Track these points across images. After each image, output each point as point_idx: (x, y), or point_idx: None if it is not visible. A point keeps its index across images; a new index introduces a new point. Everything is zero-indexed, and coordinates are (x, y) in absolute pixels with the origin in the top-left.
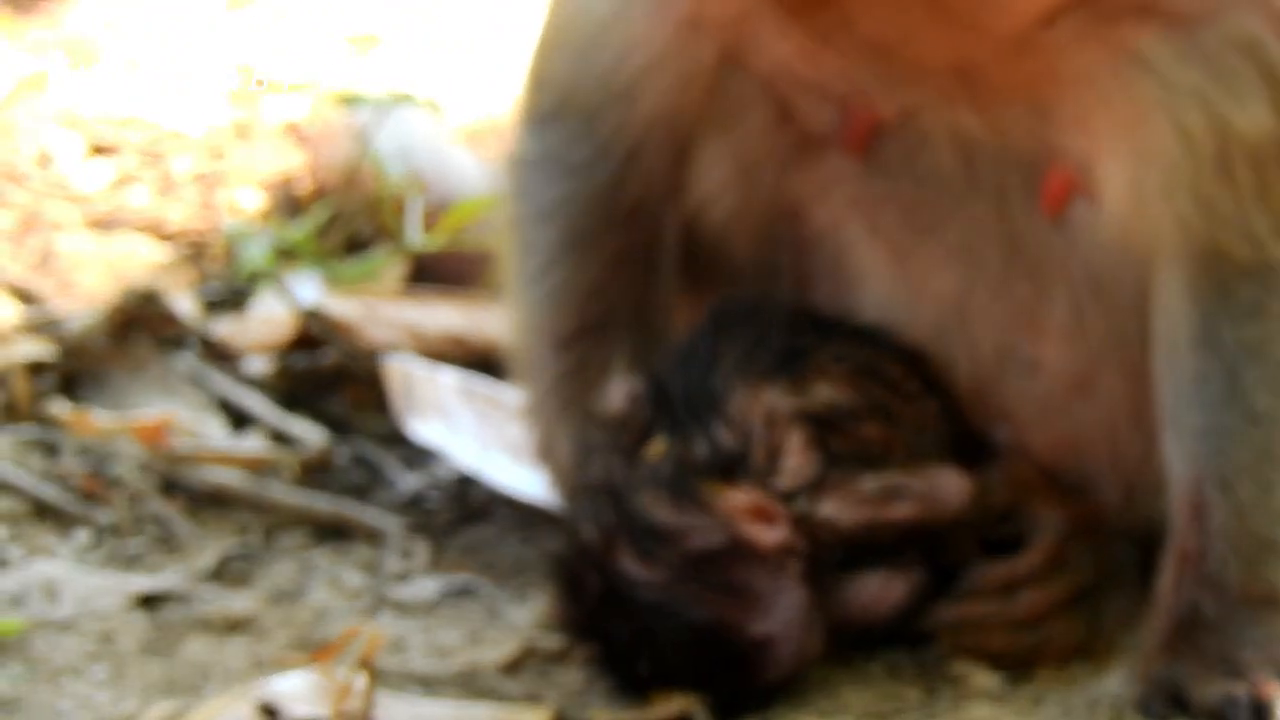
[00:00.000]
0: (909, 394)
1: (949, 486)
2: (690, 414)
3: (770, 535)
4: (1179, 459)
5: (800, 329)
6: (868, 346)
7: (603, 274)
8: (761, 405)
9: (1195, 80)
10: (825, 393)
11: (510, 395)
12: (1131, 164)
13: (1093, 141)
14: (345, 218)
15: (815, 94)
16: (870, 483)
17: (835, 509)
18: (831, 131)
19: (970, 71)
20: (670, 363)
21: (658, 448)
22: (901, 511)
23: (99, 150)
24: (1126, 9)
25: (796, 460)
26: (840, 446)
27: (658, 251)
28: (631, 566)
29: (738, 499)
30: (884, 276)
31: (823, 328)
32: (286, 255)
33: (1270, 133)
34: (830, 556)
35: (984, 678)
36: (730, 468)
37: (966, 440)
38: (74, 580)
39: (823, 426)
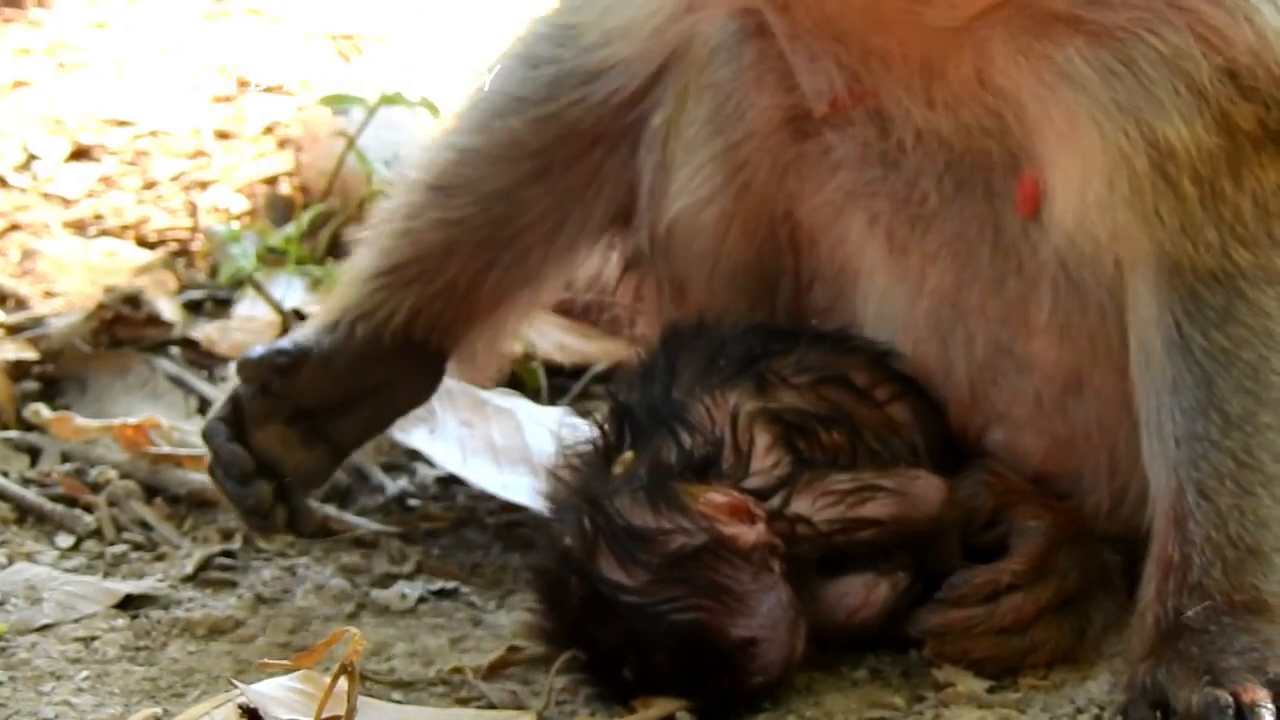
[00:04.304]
0: (877, 400)
1: (923, 487)
2: (655, 425)
3: (750, 533)
4: (1160, 467)
5: (756, 339)
6: (833, 353)
7: None
8: (726, 409)
9: (1124, 96)
10: (789, 399)
11: (493, 400)
12: (1075, 176)
13: (1044, 149)
14: (331, 221)
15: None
16: (843, 481)
17: (809, 506)
18: (829, 98)
19: (925, 65)
20: (629, 384)
21: (626, 462)
22: (876, 510)
23: (81, 154)
24: (1054, 18)
25: (766, 459)
26: (807, 449)
27: None
28: (612, 571)
29: (715, 499)
30: (882, 270)
31: (784, 337)
32: (271, 259)
33: (1207, 145)
34: (810, 555)
35: (969, 683)
36: (703, 470)
37: (951, 444)
38: (56, 584)
39: (788, 427)
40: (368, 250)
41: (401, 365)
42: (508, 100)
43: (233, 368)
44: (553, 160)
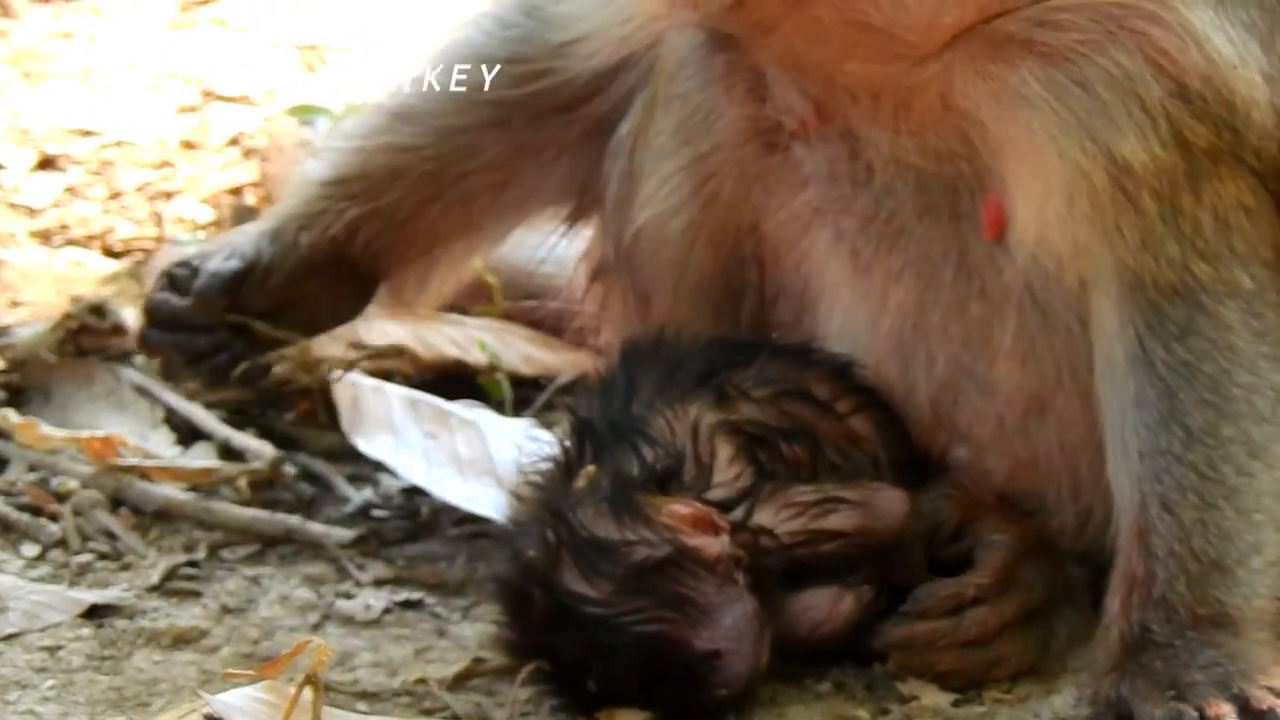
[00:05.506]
0: (838, 413)
1: (885, 499)
2: (616, 439)
3: (714, 545)
4: (1123, 481)
5: (716, 352)
6: (794, 366)
7: None
8: (687, 421)
9: (1078, 115)
10: (749, 412)
11: (458, 411)
12: (1035, 193)
13: (1006, 168)
14: None
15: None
16: (806, 493)
17: (772, 518)
18: (798, 118)
19: (891, 94)
20: (589, 400)
21: (589, 475)
22: (839, 522)
23: (47, 163)
24: (1008, 43)
25: (728, 471)
26: (768, 462)
27: None
28: (576, 583)
29: (679, 510)
30: (845, 287)
31: (744, 350)
32: None
33: (1164, 161)
34: (774, 568)
35: (933, 696)
36: (666, 482)
37: (915, 458)
38: (21, 593)
39: (750, 440)
40: (318, 162)
41: (335, 279)
42: (474, 52)
43: (169, 265)
44: (513, 113)
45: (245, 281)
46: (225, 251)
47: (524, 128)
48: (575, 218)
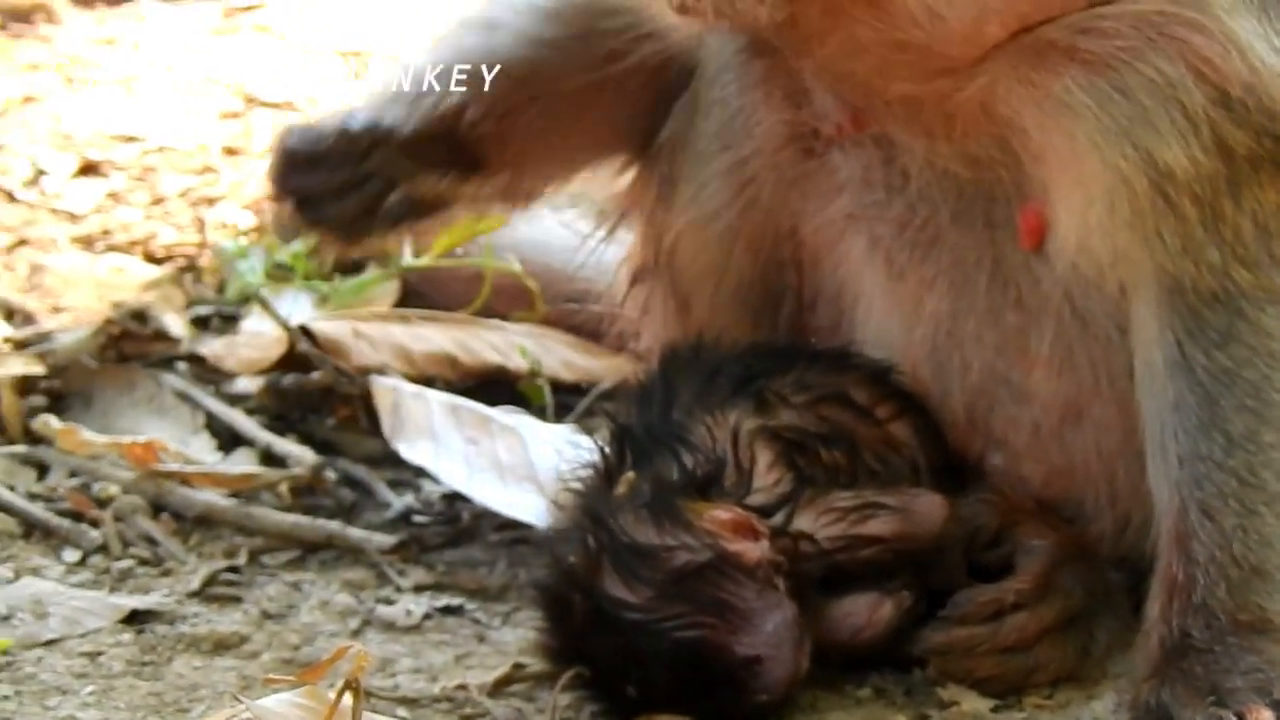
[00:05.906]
0: (877, 419)
1: (925, 504)
2: (656, 446)
3: (754, 550)
4: (1163, 487)
5: (755, 358)
6: (832, 371)
7: None
8: (726, 427)
9: (1120, 122)
10: (788, 417)
11: (499, 417)
12: (1077, 200)
13: (1047, 175)
14: None
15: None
16: (845, 498)
17: (812, 523)
18: (834, 123)
19: (931, 104)
20: (628, 408)
21: (629, 481)
22: (878, 527)
23: (90, 169)
24: (1050, 50)
25: (768, 476)
26: (808, 467)
27: None
28: (616, 588)
29: (719, 515)
30: (880, 294)
31: (783, 355)
32: (278, 275)
33: (1205, 167)
34: (814, 573)
35: (973, 702)
36: (706, 487)
37: (954, 463)
38: (62, 599)
39: (789, 445)
40: (419, 57)
41: (446, 154)
42: None
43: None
44: (594, 41)
45: (375, 133)
46: (346, 112)
47: (606, 52)
48: (628, 200)
